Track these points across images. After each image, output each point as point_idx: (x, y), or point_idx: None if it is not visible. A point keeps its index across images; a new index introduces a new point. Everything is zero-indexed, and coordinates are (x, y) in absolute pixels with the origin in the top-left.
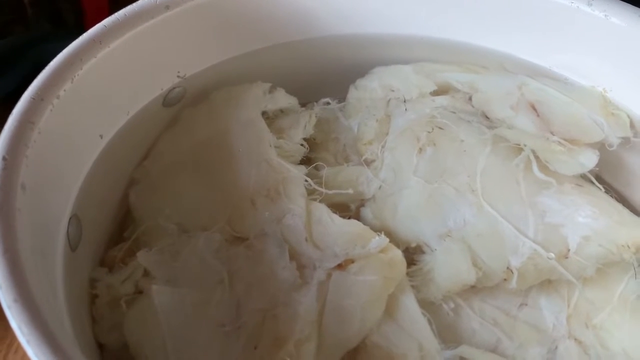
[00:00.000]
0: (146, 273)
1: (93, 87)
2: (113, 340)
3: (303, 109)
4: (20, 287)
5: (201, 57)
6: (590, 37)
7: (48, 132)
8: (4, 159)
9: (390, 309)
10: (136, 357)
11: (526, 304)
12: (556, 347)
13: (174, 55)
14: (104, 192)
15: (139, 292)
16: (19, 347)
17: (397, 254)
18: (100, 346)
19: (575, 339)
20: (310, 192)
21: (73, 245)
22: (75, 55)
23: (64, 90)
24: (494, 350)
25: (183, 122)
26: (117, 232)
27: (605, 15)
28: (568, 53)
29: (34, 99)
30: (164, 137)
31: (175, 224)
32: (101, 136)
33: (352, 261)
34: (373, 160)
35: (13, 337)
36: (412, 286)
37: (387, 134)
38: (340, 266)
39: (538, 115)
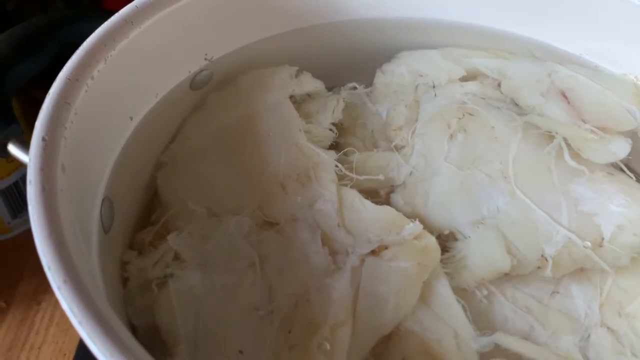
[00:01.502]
0: (176, 256)
1: (125, 68)
2: (144, 323)
3: (330, 93)
4: (68, 268)
5: (228, 39)
6: (623, 24)
7: (83, 113)
8: (43, 139)
9: (425, 296)
10: (168, 340)
11: (558, 292)
12: (589, 336)
13: (202, 37)
14: (133, 175)
15: (170, 275)
16: (40, 328)
17: (432, 241)
18: (133, 328)
19: (608, 328)
20: (341, 178)
21: (106, 227)
22: (108, 36)
23: (98, 71)
24: (527, 337)
25: (210, 106)
26: (145, 215)
27: None
28: (599, 40)
29: (69, 79)
30: (191, 121)
31: (205, 207)
32: (131, 118)
33: (386, 247)
34: (403, 147)
35: (34, 318)
36: (446, 273)
37: (416, 119)
38: (374, 252)
39: (569, 103)
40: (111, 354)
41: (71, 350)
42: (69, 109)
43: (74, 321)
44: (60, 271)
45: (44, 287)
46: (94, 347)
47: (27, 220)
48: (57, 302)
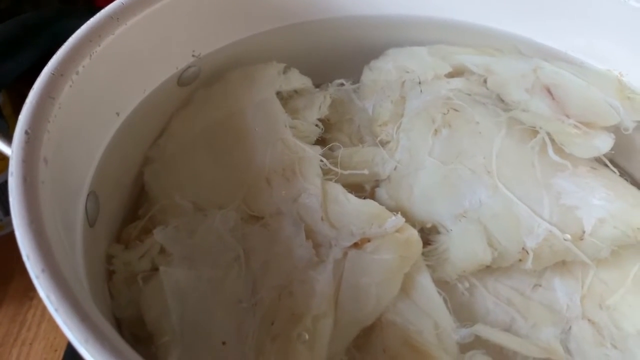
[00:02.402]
0: (162, 250)
1: (110, 64)
2: (130, 316)
3: (317, 89)
4: (47, 258)
5: (216, 36)
6: (607, 21)
7: (68, 107)
8: (26, 132)
9: (406, 288)
10: (153, 332)
11: (540, 285)
12: (570, 328)
13: (189, 34)
14: (120, 170)
15: (156, 268)
16: (31, 324)
17: (413, 234)
18: (117, 321)
19: (589, 320)
20: (326, 172)
21: (91, 221)
22: (93, 32)
23: (83, 67)
24: (508, 329)
25: (197, 102)
26: (132, 210)
27: None
28: (584, 36)
29: (53, 74)
30: (179, 117)
31: (191, 202)
32: (118, 114)
33: (369, 240)
34: (388, 142)
35: (26, 314)
36: (428, 266)
37: (402, 115)
38: (356, 245)
39: (553, 99)
40: (86, 340)
41: (62, 346)
42: (52, 104)
43: (51, 308)
44: (39, 260)
45: None
46: (69, 333)
47: None
48: None
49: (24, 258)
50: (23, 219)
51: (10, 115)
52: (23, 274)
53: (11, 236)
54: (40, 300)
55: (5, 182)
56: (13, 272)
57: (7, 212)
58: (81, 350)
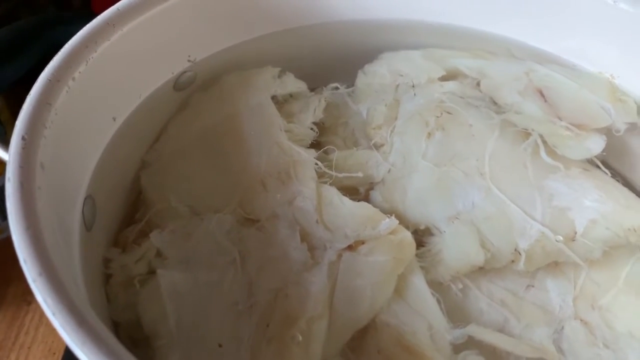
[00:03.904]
0: (159, 253)
1: (107, 70)
2: (127, 319)
3: (312, 93)
4: (43, 262)
5: (211, 41)
6: (599, 23)
7: (64, 113)
8: (23, 138)
9: (400, 289)
10: (150, 335)
11: (533, 286)
12: (562, 328)
13: (184, 39)
14: (116, 175)
15: (152, 272)
16: (29, 328)
17: (407, 236)
18: (115, 324)
19: (581, 320)
20: (321, 175)
21: (88, 225)
22: (89, 38)
23: (79, 72)
24: (501, 330)
25: (193, 106)
26: (129, 214)
27: (614, 1)
28: (576, 39)
29: (50, 80)
30: (175, 121)
31: (187, 206)
32: (114, 119)
33: (363, 242)
34: (382, 145)
35: (24, 318)
36: (421, 267)
37: (396, 118)
38: (350, 247)
39: (546, 101)
40: (83, 343)
41: (60, 350)
42: (49, 109)
43: (48, 312)
44: (36, 264)
45: None
46: (66, 336)
47: None
48: None
49: (21, 262)
50: (20, 224)
51: (7, 121)
52: (21, 279)
53: (9, 241)
54: (38, 304)
55: (2, 187)
56: (11, 277)
57: (5, 217)
58: (78, 353)
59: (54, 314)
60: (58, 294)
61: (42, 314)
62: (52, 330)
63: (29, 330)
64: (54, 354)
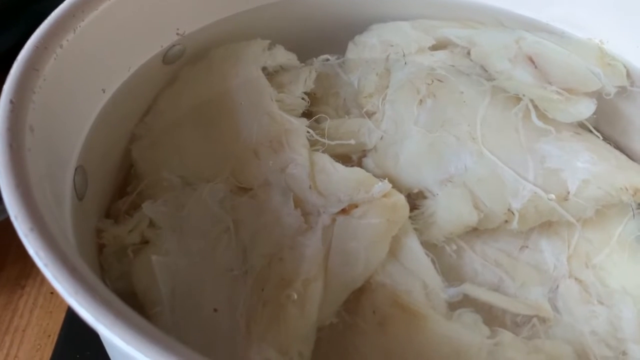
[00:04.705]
0: (151, 223)
1: (95, 40)
2: (121, 288)
3: (302, 65)
4: (34, 217)
5: (200, 14)
6: None
7: (53, 80)
8: (11, 102)
9: (394, 251)
10: (145, 304)
11: (527, 246)
12: (557, 287)
13: (173, 13)
14: (107, 146)
15: (145, 241)
16: (24, 311)
17: (400, 198)
18: None
19: (576, 279)
20: (313, 144)
21: (79, 194)
22: (77, 7)
23: (67, 40)
24: (496, 290)
25: (183, 80)
26: (121, 186)
27: None
28: (564, 6)
29: (37, 47)
30: (165, 95)
31: (179, 176)
32: (104, 90)
33: (356, 206)
34: (374, 113)
35: (18, 301)
36: (415, 229)
37: (387, 87)
38: (344, 211)
39: (536, 67)
40: (76, 292)
41: (55, 331)
42: (37, 75)
43: (40, 264)
44: (27, 219)
45: (28, 271)
46: (59, 286)
47: None
48: (40, 286)
49: (12, 219)
50: (10, 181)
51: None
52: (15, 263)
53: (1, 225)
54: (32, 287)
55: None
56: (4, 262)
57: None
58: (71, 302)
59: (45, 265)
60: (50, 246)
61: (36, 297)
62: (47, 313)
63: (24, 314)
64: (49, 336)
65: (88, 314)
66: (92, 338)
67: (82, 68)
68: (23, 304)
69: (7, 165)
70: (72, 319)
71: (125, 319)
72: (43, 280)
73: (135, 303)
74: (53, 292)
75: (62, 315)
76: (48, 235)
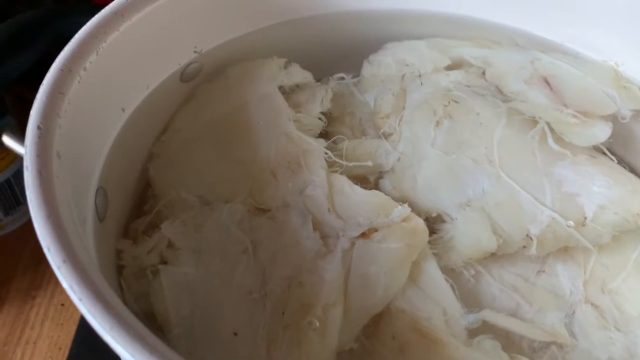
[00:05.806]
0: (170, 244)
1: (116, 60)
2: (140, 310)
3: (318, 84)
4: (67, 249)
5: (217, 32)
6: (602, 11)
7: (77, 103)
8: (38, 127)
9: (414, 276)
10: (163, 325)
11: (544, 271)
12: (574, 312)
13: (191, 30)
14: (125, 165)
15: (164, 262)
16: (35, 323)
17: (420, 223)
18: None
19: (592, 304)
20: (330, 165)
21: (100, 216)
22: (99, 28)
23: (90, 62)
24: (514, 314)
25: (200, 98)
26: (138, 205)
27: None
28: (580, 28)
29: (62, 70)
30: (182, 113)
31: (197, 196)
32: (123, 109)
33: (376, 230)
34: (391, 134)
35: (29, 313)
36: (434, 254)
37: (403, 107)
38: (364, 235)
39: (551, 89)
40: (111, 328)
41: (67, 344)
42: (62, 99)
43: (74, 298)
44: (60, 251)
45: (38, 282)
46: (94, 321)
47: (20, 217)
48: (51, 297)
49: (45, 250)
50: (42, 212)
51: None
52: (24, 273)
53: (11, 236)
54: (43, 298)
55: (3, 183)
56: (15, 272)
57: (7, 212)
58: (107, 338)
59: (80, 300)
60: (83, 280)
61: (47, 308)
62: (58, 325)
63: (34, 325)
64: (60, 348)
65: (123, 350)
66: (103, 352)
67: (103, 88)
68: (34, 315)
69: (38, 194)
70: (83, 332)
71: (159, 354)
72: (54, 291)
73: (154, 324)
74: (64, 304)
75: (74, 327)
76: (81, 267)
